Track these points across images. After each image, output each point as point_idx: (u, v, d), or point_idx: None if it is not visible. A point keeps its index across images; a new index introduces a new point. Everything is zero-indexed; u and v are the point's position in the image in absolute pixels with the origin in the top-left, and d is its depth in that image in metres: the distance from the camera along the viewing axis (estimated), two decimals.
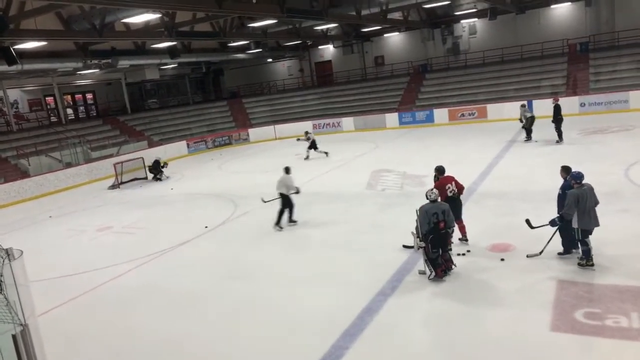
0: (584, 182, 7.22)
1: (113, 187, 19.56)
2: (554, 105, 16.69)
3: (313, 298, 7.58)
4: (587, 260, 7.23)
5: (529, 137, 17.80)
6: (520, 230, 8.89)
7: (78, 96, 33.23)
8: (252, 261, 9.53)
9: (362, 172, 16.02)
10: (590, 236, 7.19)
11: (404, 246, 8.91)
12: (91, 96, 33.58)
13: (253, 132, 29.70)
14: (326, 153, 20.44)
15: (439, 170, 8.89)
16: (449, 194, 8.45)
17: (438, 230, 7.41)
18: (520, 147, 17.18)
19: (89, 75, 27.92)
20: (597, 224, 7.18)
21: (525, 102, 19.53)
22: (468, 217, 9.76)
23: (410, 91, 29.85)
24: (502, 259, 7.94)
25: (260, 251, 10.07)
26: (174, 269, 9.67)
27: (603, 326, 5.81)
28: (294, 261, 9.31)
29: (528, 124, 17.75)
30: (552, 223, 7.43)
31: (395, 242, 9.13)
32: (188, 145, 27.39)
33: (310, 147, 20.45)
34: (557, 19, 28.05)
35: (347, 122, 28.51)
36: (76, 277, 9.78)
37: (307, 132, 21.38)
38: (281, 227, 11.25)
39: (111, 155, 23.76)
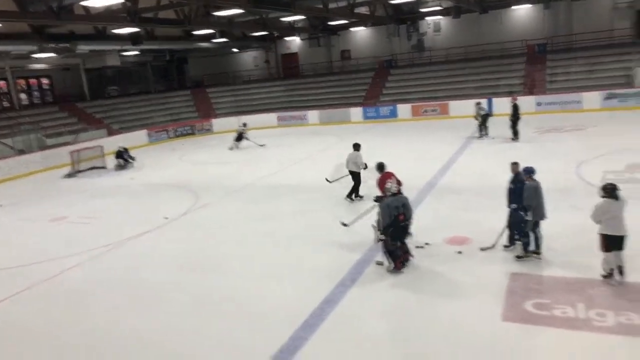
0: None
1: (69, 175, 18.94)
2: (512, 104, 17.21)
3: (273, 289, 7.60)
4: (526, 252, 7.67)
5: (482, 133, 18.38)
6: (477, 223, 9.18)
7: (33, 81, 31.81)
8: (212, 253, 9.44)
9: (326, 166, 16.06)
10: (538, 228, 7.58)
11: (342, 223, 9.55)
12: (47, 81, 32.26)
13: (217, 123, 29.29)
14: (231, 148, 21.45)
15: (380, 167, 9.04)
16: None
17: (398, 222, 7.56)
18: (479, 143, 17.65)
19: (45, 59, 26.80)
20: (546, 216, 7.63)
21: (480, 100, 19.95)
22: (428, 211, 10.00)
23: (375, 86, 30.12)
24: (459, 252, 8.17)
25: (220, 243, 9.99)
26: (132, 261, 9.48)
27: (551, 316, 6.08)
28: (255, 253, 9.27)
29: (482, 121, 18.32)
30: (523, 211, 7.76)
31: (356, 234, 9.24)
32: (149, 134, 26.76)
33: (238, 139, 21.47)
34: (518, 20, 28.88)
35: (313, 115, 28.52)
36: (27, 268, 9.44)
37: (244, 124, 22.22)
38: (352, 199, 11.67)
39: (68, 143, 22.95)
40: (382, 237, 7.60)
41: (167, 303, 7.51)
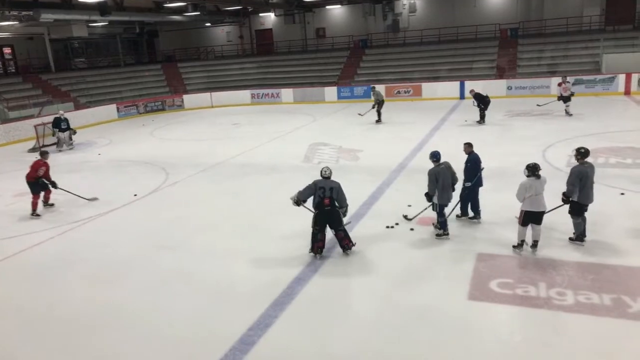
0: (442, 161, 8.05)
1: (34, 150, 18.30)
2: (473, 94, 17.45)
3: (244, 268, 7.60)
4: (444, 231, 8.07)
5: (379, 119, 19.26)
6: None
7: None
8: (181, 230, 9.35)
9: (299, 145, 16.04)
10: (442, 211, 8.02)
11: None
12: (9, 50, 30.94)
13: (188, 99, 28.70)
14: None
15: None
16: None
17: (323, 206, 7.46)
18: (450, 126, 17.86)
19: (6, 27, 25.62)
20: (450, 200, 8.00)
21: (374, 86, 20.27)
22: (398, 192, 10.11)
23: (350, 66, 29.99)
24: (433, 230, 8.34)
25: (190, 220, 9.89)
26: (99, 237, 9.31)
27: (514, 295, 6.30)
28: (224, 231, 9.24)
29: (379, 107, 19.23)
30: (427, 197, 8.14)
31: None
32: (118, 109, 26.05)
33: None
34: (491, 4, 29.09)
35: (287, 93, 28.23)
36: None
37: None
38: None
39: (32, 116, 22.16)
40: (293, 199, 7.65)
41: (135, 279, 7.44)
